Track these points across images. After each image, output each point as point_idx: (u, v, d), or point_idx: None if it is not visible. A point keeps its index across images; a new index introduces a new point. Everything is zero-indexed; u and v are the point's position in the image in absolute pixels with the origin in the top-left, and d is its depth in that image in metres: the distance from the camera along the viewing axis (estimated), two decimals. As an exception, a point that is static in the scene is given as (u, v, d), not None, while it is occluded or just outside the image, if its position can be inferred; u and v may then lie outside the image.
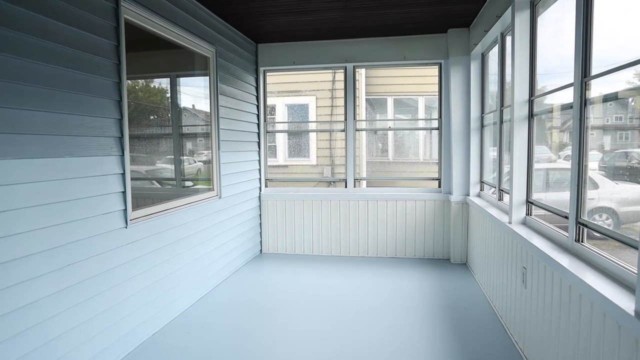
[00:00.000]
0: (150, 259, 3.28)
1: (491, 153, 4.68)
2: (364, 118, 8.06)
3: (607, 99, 2.24)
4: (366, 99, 8.77)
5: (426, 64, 5.51)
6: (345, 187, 5.68)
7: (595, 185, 2.63)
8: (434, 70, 5.53)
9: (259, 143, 5.70)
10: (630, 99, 2.18)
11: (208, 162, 4.47)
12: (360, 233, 5.54)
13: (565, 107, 2.72)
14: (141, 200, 3.30)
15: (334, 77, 8.45)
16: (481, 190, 4.98)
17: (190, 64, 4.23)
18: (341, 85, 5.73)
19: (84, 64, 2.61)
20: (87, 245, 2.63)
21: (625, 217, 2.82)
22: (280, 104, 8.99)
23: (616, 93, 2.14)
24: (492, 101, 4.68)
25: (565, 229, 2.49)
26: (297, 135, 9.12)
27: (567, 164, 2.47)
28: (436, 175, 5.53)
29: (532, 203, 3.19)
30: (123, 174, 2.94)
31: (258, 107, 5.67)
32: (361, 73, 8.12)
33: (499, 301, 3.53)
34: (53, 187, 2.39)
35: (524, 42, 3.21)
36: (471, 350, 3.01)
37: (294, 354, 3.02)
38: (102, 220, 2.76)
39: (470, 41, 4.92)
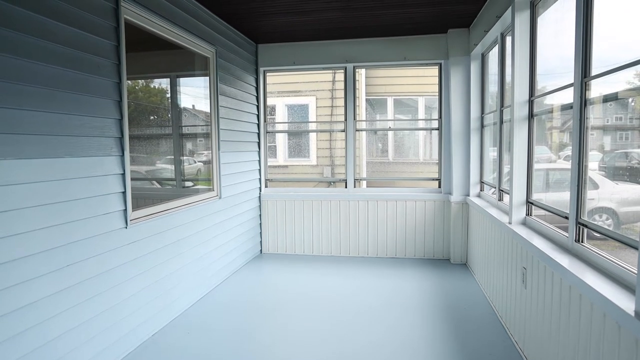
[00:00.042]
0: (151, 259, 3.28)
1: (491, 153, 4.68)
2: (364, 118, 8.06)
3: (607, 99, 2.24)
4: (366, 99, 8.77)
5: (426, 64, 5.51)
6: (345, 187, 5.68)
7: (595, 186, 2.63)
8: (434, 71, 5.53)
9: (259, 143, 5.70)
10: (630, 99, 2.18)
11: (208, 163, 4.47)
12: (360, 233, 5.54)
13: (565, 108, 2.72)
14: (141, 200, 3.30)
15: (334, 77, 8.46)
16: (481, 190, 4.98)
17: (190, 64, 4.23)
18: (341, 85, 5.73)
19: (84, 64, 2.61)
20: (87, 246, 2.63)
21: (625, 218, 2.82)
22: (280, 104, 8.99)
23: (616, 93, 2.14)
24: (492, 101, 4.68)
25: (565, 229, 2.49)
26: (297, 136, 9.12)
27: (567, 164, 2.47)
28: (436, 176, 5.53)
29: (532, 203, 3.19)
30: (123, 174, 2.94)
31: (258, 107, 5.67)
32: (361, 73, 8.13)
33: (499, 301, 3.53)
34: (53, 188, 2.39)
35: (524, 42, 3.21)
36: (471, 351, 3.01)
37: (294, 354, 3.02)
38: (102, 221, 2.76)
39: (470, 41, 4.92)
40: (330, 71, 7.77)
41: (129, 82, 3.18)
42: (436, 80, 5.48)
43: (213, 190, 4.45)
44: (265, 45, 5.62)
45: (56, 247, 2.40)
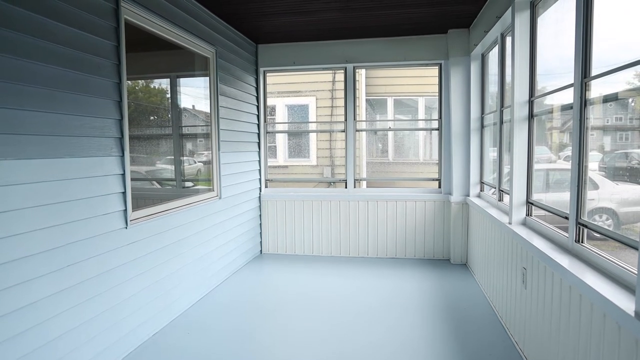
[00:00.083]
0: (151, 260, 3.28)
1: (491, 153, 4.68)
2: (364, 118, 8.06)
3: (607, 99, 2.24)
4: (366, 100, 8.78)
5: (426, 65, 5.52)
6: (345, 187, 5.68)
7: (596, 186, 2.63)
8: (434, 71, 5.53)
9: (259, 143, 5.70)
10: (630, 100, 2.19)
11: (208, 163, 4.47)
12: (360, 233, 5.54)
13: (565, 108, 2.72)
14: (141, 200, 3.30)
15: (334, 77, 8.46)
16: (481, 190, 4.98)
17: (190, 65, 4.23)
18: (341, 85, 5.73)
19: (84, 65, 2.61)
20: (87, 246, 2.63)
21: (625, 218, 2.82)
22: (280, 105, 8.99)
23: (616, 94, 2.14)
24: (492, 102, 4.68)
25: (566, 229, 2.49)
26: (297, 136, 9.12)
27: (567, 165, 2.47)
28: (436, 176, 5.53)
29: (532, 203, 3.19)
30: (123, 175, 2.94)
31: (258, 107, 5.67)
32: (361, 73, 8.13)
33: (499, 302, 3.53)
34: (53, 188, 2.39)
35: (524, 42, 3.21)
36: (471, 351, 3.01)
37: (294, 354, 3.02)
38: (102, 221, 2.76)
39: (470, 42, 4.93)
40: (330, 71, 7.77)
41: (129, 82, 3.18)
42: (436, 80, 5.48)
43: (213, 191, 4.45)
44: (266, 46, 5.62)
45: (56, 248, 2.40)
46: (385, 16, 4.51)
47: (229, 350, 3.08)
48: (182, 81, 4.22)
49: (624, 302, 1.66)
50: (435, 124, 5.64)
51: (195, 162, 4.46)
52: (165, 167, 4.03)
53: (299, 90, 8.92)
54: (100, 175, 2.74)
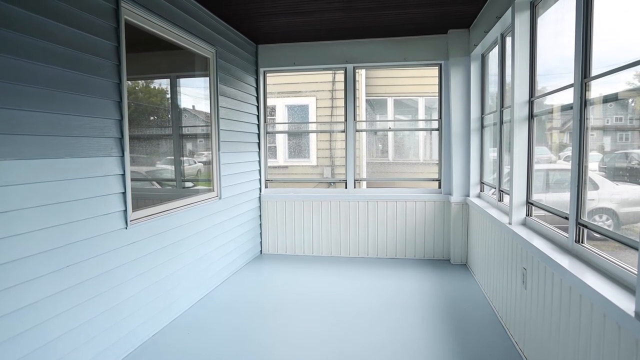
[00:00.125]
0: (151, 260, 3.28)
1: (491, 154, 4.68)
2: (364, 119, 8.06)
3: (607, 99, 2.24)
4: (366, 100, 8.77)
5: (426, 65, 5.52)
6: (345, 187, 5.68)
7: (596, 186, 2.63)
8: (434, 71, 5.53)
9: (259, 144, 5.70)
10: (630, 100, 2.19)
11: (208, 163, 4.47)
12: (360, 234, 5.54)
13: (565, 108, 2.72)
14: (141, 201, 3.30)
15: (334, 77, 8.46)
16: (481, 191, 4.98)
17: (190, 65, 4.23)
18: (341, 86, 5.73)
19: (84, 65, 2.61)
20: (87, 246, 2.63)
21: (625, 218, 2.82)
22: (280, 105, 8.99)
23: (616, 94, 2.14)
24: (492, 102, 4.68)
25: (566, 229, 2.49)
26: (297, 136, 9.12)
27: (567, 165, 2.47)
28: (436, 176, 5.53)
29: (532, 204, 3.19)
30: (123, 175, 2.94)
31: (258, 107, 5.67)
32: (361, 74, 8.13)
33: (499, 302, 3.53)
34: (53, 188, 2.39)
35: (524, 43, 3.21)
36: (471, 351, 3.01)
37: (294, 354, 3.02)
38: (102, 221, 2.75)
39: (470, 42, 4.93)
40: (330, 72, 7.77)
41: (129, 82, 3.18)
42: (436, 80, 5.48)
43: (213, 191, 4.45)
44: (266, 46, 5.62)
45: (56, 248, 2.40)
46: (385, 16, 4.51)
47: (229, 350, 3.08)
48: (182, 81, 4.22)
49: (624, 302, 1.66)
50: (435, 124, 5.64)
51: (195, 163, 4.46)
52: (165, 168, 4.03)
53: (299, 90, 8.92)
54: (100, 175, 2.74)
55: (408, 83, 8.83)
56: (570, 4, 2.40)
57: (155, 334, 3.32)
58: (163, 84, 3.97)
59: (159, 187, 3.95)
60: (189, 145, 4.41)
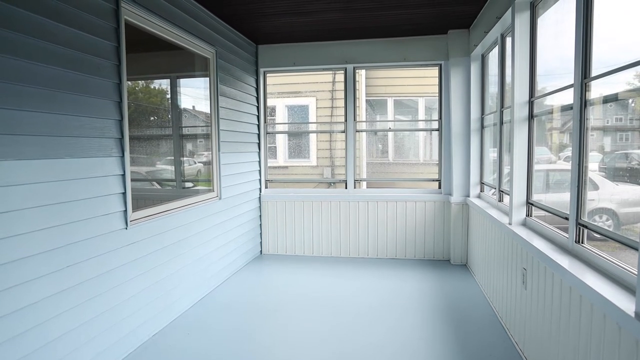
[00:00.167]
0: (151, 260, 3.28)
1: (491, 154, 4.68)
2: (364, 119, 8.06)
3: (607, 100, 2.25)
4: (366, 100, 8.77)
5: (426, 65, 5.52)
6: (345, 188, 5.68)
7: (596, 187, 2.63)
8: (434, 72, 5.53)
9: (259, 144, 5.70)
10: (630, 100, 2.19)
11: (208, 163, 4.47)
12: (360, 234, 5.54)
13: (565, 108, 2.72)
14: (141, 201, 3.30)
15: (334, 78, 8.46)
16: (481, 191, 4.98)
17: (190, 65, 4.23)
18: (341, 86, 5.73)
19: (84, 65, 2.61)
20: (87, 247, 2.63)
21: (625, 218, 2.82)
22: (280, 105, 8.99)
23: (616, 94, 2.14)
24: (492, 102, 4.68)
25: (566, 230, 2.49)
26: (297, 136, 9.12)
27: (567, 165, 2.47)
28: (436, 177, 5.53)
29: (532, 204, 3.19)
30: (123, 175, 2.94)
31: (258, 108, 5.67)
32: (361, 74, 8.13)
33: (499, 302, 3.53)
34: (53, 188, 2.39)
35: (524, 43, 3.21)
36: (471, 352, 3.01)
37: (294, 354, 3.02)
38: (102, 222, 2.75)
39: (470, 42, 4.93)
40: (330, 72, 7.77)
41: (129, 83, 3.18)
42: (436, 81, 5.48)
43: (213, 191, 4.45)
44: (266, 46, 5.62)
45: (56, 248, 2.40)
46: (385, 17, 4.51)
47: (229, 350, 3.08)
48: (182, 82, 4.22)
49: (624, 302, 1.66)
50: (435, 125, 5.64)
51: (195, 163, 4.46)
52: (165, 168, 4.03)
53: (299, 90, 8.92)
54: (100, 175, 2.74)
55: (408, 83, 8.84)
56: (570, 4, 2.40)
57: (155, 334, 3.32)
58: (163, 84, 3.97)
59: (159, 187, 3.95)
60: (189, 146, 4.41)
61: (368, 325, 3.47)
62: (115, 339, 2.89)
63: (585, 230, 2.32)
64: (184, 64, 4.18)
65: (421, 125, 8.69)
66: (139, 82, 3.55)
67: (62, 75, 2.45)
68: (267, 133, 5.83)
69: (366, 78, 8.59)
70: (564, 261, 2.23)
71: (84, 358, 2.61)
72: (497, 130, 4.12)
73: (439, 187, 5.48)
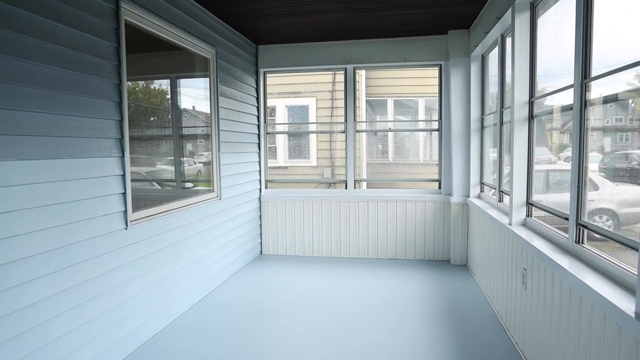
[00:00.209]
0: (151, 260, 3.28)
1: (491, 154, 4.68)
2: (364, 119, 8.06)
3: (607, 100, 2.24)
4: (366, 100, 8.78)
5: (426, 66, 5.52)
6: (346, 188, 5.68)
7: (596, 187, 2.63)
8: (434, 72, 5.53)
9: (259, 144, 5.70)
10: (630, 101, 2.19)
11: (208, 164, 4.47)
12: (360, 234, 5.54)
13: (565, 109, 2.72)
14: (141, 201, 3.30)
15: (334, 78, 8.46)
16: (481, 191, 4.98)
17: (190, 66, 4.23)
18: (341, 86, 5.73)
19: (84, 65, 2.61)
20: (87, 247, 2.63)
21: (625, 219, 2.82)
22: (280, 105, 8.99)
23: (616, 94, 2.14)
24: (492, 102, 4.68)
25: (566, 230, 2.49)
26: (297, 137, 9.12)
27: (567, 165, 2.47)
28: (436, 177, 5.53)
29: (532, 204, 3.19)
30: (123, 176, 2.94)
31: (258, 108, 5.67)
32: (361, 74, 8.13)
33: (499, 302, 3.53)
34: (52, 189, 2.39)
35: (524, 43, 3.21)
36: (471, 352, 3.00)
37: (294, 354, 3.02)
38: (102, 222, 2.75)
39: (470, 43, 4.93)
40: (330, 72, 7.77)
41: (129, 83, 3.18)
42: (436, 81, 5.48)
43: (213, 192, 4.45)
44: (266, 47, 5.62)
45: (56, 249, 2.40)
46: (386, 17, 4.51)
47: (229, 351, 3.07)
48: (182, 82, 4.22)
49: (624, 303, 1.66)
50: (435, 125, 5.64)
51: (195, 163, 4.46)
52: (165, 168, 4.03)
53: (299, 91, 8.92)
54: (100, 176, 2.74)
55: (408, 84, 8.84)
56: (570, 4, 2.40)
57: (155, 335, 3.32)
58: (163, 84, 3.97)
59: (159, 187, 3.95)
60: (189, 146, 4.41)
61: (368, 326, 3.47)
62: (115, 339, 2.89)
63: (585, 231, 2.32)
64: (184, 64, 4.18)
65: (421, 125, 8.69)
66: (139, 82, 3.55)
67: (62, 76, 2.45)
68: (267, 133, 5.83)
69: (366, 78, 8.59)
70: (564, 261, 2.23)
71: (84, 358, 2.61)
72: (497, 130, 4.12)
73: (439, 188, 5.48)
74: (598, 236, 2.22)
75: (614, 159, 2.47)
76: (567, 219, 2.46)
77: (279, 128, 8.28)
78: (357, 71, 5.67)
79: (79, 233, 2.56)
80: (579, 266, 2.14)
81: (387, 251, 5.50)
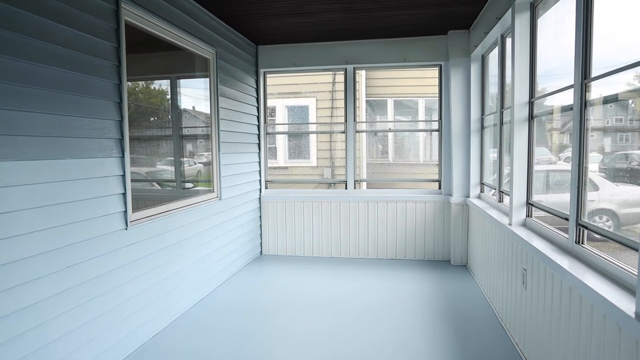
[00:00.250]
0: (151, 261, 3.28)
1: (491, 155, 4.68)
2: (364, 120, 8.06)
3: (607, 100, 2.25)
4: (366, 101, 8.78)
5: (426, 66, 5.52)
6: (346, 188, 5.68)
7: (596, 187, 2.63)
8: (434, 72, 5.53)
9: (259, 145, 5.70)
10: (630, 101, 2.19)
11: (208, 164, 4.48)
12: (360, 235, 5.54)
13: (565, 109, 2.72)
14: (141, 201, 3.30)
15: (334, 78, 8.46)
16: (481, 191, 4.98)
17: (190, 66, 4.24)
18: (341, 86, 5.73)
19: (84, 66, 2.62)
20: (87, 247, 2.63)
21: (625, 219, 2.82)
22: (280, 106, 8.99)
23: (616, 95, 2.15)
24: (492, 103, 4.68)
25: (566, 230, 2.49)
26: (297, 137, 9.12)
27: (567, 166, 2.47)
28: (436, 177, 5.53)
29: (532, 205, 3.19)
30: (123, 176, 2.94)
31: (258, 108, 5.68)
32: (361, 75, 8.13)
33: (499, 303, 3.53)
34: (53, 189, 2.39)
35: (524, 43, 3.21)
36: (471, 352, 3.00)
37: (294, 355, 3.02)
38: (103, 222, 2.75)
39: (470, 43, 4.93)
40: (330, 72, 7.77)
41: (129, 83, 3.18)
42: (436, 81, 5.48)
43: (213, 192, 4.45)
44: (266, 47, 5.62)
45: (56, 249, 2.40)
46: (385, 17, 4.51)
47: (229, 351, 3.08)
48: (182, 82, 4.22)
49: (624, 303, 1.66)
50: (435, 125, 5.64)
51: (195, 163, 4.46)
52: (165, 168, 4.03)
53: (299, 91, 8.92)
54: (100, 176, 2.74)
55: (408, 84, 8.84)
56: (570, 5, 2.40)
57: (155, 335, 3.32)
58: (163, 84, 3.97)
59: (159, 188, 3.95)
60: (189, 146, 4.41)
61: (368, 326, 3.47)
62: (116, 339, 2.89)
63: (586, 231, 2.32)
64: (184, 65, 4.19)
65: (421, 125, 8.69)
66: (139, 82, 3.56)
67: (62, 76, 2.46)
68: (267, 134, 5.83)
69: (366, 78, 8.59)
70: (564, 262, 2.23)
71: (84, 358, 2.61)
72: (497, 130, 4.12)
73: (439, 188, 5.48)
74: (598, 236, 2.22)
75: (614, 159, 2.47)
76: (567, 219, 2.46)
77: (279, 128, 8.29)
78: (357, 71, 5.67)
79: (79, 233, 2.56)
80: (579, 266, 2.14)
81: (387, 251, 5.50)
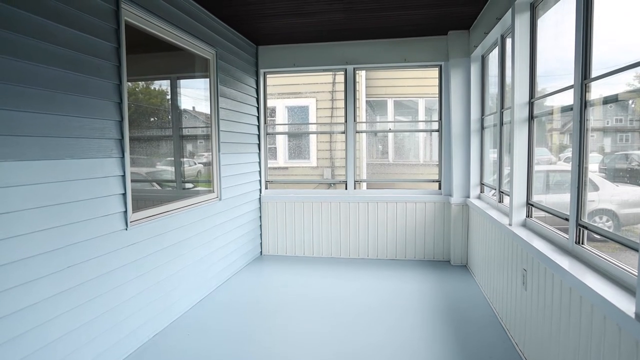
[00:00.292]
0: (151, 261, 3.28)
1: (491, 155, 4.68)
2: (364, 120, 8.07)
3: (607, 101, 2.25)
4: (366, 101, 8.78)
5: (426, 66, 5.52)
6: (346, 188, 5.68)
7: (596, 187, 2.63)
8: (434, 72, 5.53)
9: (259, 145, 5.70)
10: (630, 101, 2.19)
11: (208, 164, 4.48)
12: (360, 235, 5.54)
13: (565, 109, 2.72)
14: (142, 202, 3.30)
15: (334, 79, 8.46)
16: (481, 192, 4.98)
17: (190, 66, 4.24)
18: (341, 87, 5.73)
19: (84, 66, 2.62)
20: (87, 247, 2.63)
21: (625, 219, 2.82)
22: (280, 106, 9.00)
23: (616, 95, 2.15)
24: (492, 103, 4.68)
25: (566, 231, 2.49)
26: (297, 137, 9.12)
27: (568, 166, 2.47)
28: (436, 177, 5.53)
29: (532, 205, 3.19)
30: (123, 176, 2.94)
31: (258, 109, 5.68)
32: (361, 75, 8.13)
33: (499, 303, 3.53)
34: (53, 189, 2.39)
35: (524, 44, 3.21)
36: (471, 352, 3.00)
37: (294, 355, 3.02)
38: (103, 222, 2.76)
39: (470, 43, 4.93)
40: (331, 73, 7.78)
41: (130, 84, 3.19)
42: (436, 82, 5.48)
43: (213, 192, 4.45)
44: (266, 47, 5.62)
45: (56, 249, 2.40)
46: (385, 18, 4.51)
47: (229, 351, 3.08)
48: (183, 83, 4.22)
49: (624, 303, 1.66)
50: (435, 126, 5.64)
51: (195, 164, 4.46)
52: (165, 169, 4.03)
53: (299, 91, 8.92)
54: (100, 176, 2.74)
55: (408, 84, 8.84)
56: (570, 5, 2.40)
57: (155, 335, 3.32)
58: (163, 85, 3.97)
59: (159, 188, 3.95)
60: (189, 147, 4.41)
61: (368, 326, 3.47)
62: (116, 339, 2.89)
63: (586, 231, 2.32)
64: (184, 65, 4.19)
65: (421, 126, 8.70)
66: (139, 83, 3.56)
67: (63, 76, 2.46)
68: (267, 134, 5.83)
69: (366, 79, 8.59)
70: (564, 262, 2.23)
71: (84, 359, 2.61)
72: (497, 131, 4.12)
73: (439, 188, 5.48)
74: (598, 237, 2.22)
75: (614, 159, 2.47)
76: (567, 219, 2.46)
77: (279, 129, 8.29)
78: (357, 72, 5.67)
79: (80, 233, 2.56)
80: (579, 267, 2.14)
81: (387, 252, 5.50)
